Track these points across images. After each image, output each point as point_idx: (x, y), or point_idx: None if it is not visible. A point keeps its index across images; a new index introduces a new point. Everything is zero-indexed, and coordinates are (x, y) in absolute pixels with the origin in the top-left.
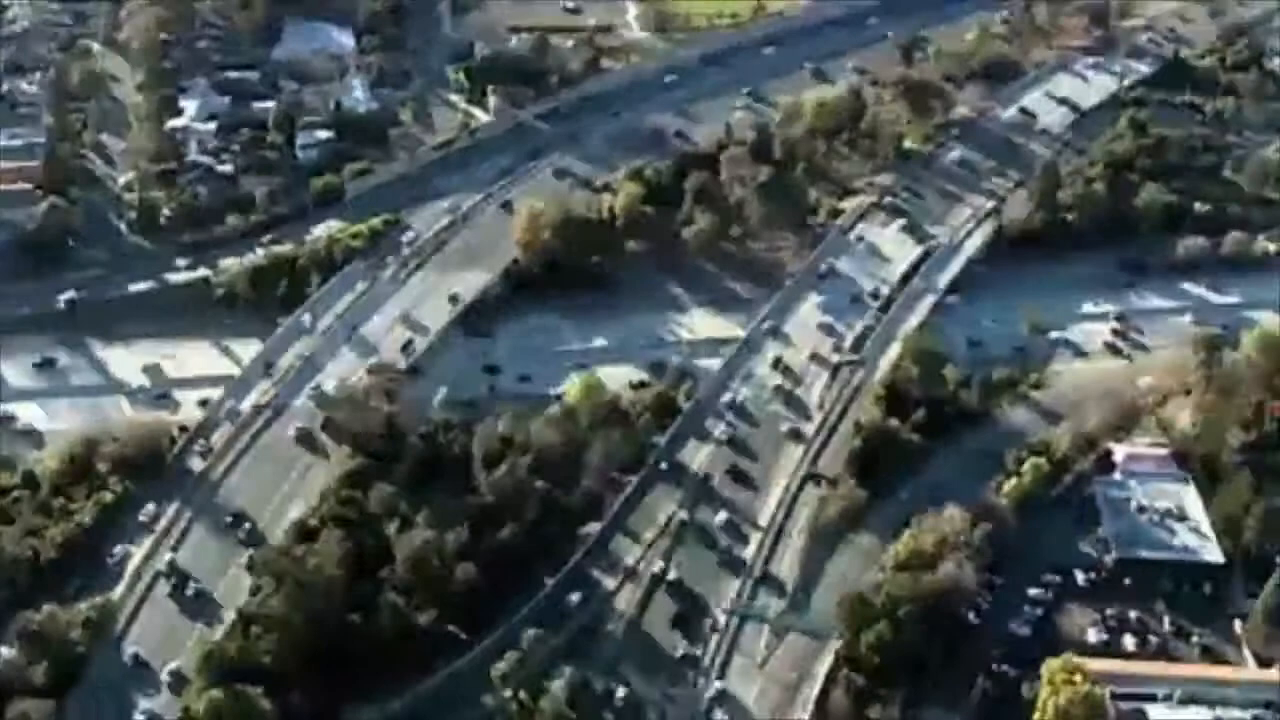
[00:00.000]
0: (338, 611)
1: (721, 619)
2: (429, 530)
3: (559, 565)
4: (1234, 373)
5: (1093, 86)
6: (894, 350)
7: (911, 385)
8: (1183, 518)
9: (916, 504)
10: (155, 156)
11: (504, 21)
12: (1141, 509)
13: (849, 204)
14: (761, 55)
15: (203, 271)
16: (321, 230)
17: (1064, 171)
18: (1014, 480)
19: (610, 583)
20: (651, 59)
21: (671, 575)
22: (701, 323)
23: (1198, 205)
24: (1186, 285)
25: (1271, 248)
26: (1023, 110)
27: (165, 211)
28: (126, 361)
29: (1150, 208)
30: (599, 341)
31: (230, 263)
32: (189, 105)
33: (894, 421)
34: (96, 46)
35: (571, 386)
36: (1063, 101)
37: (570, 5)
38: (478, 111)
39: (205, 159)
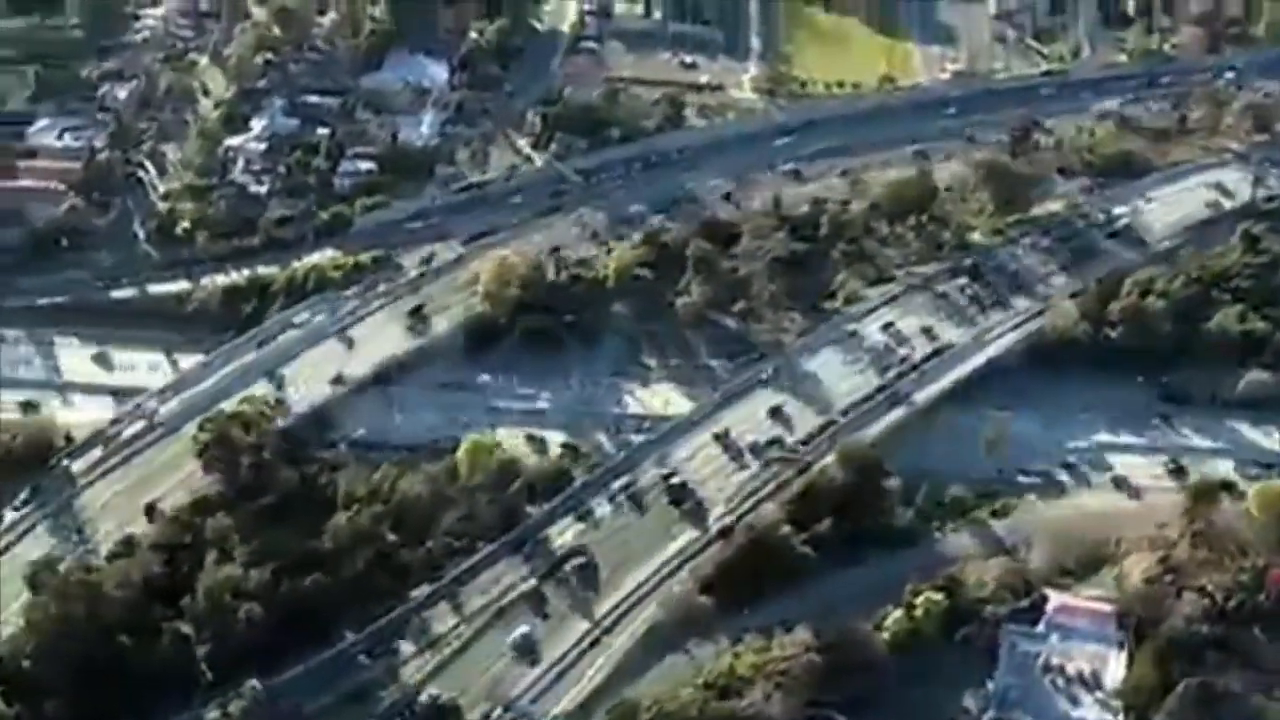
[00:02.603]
0: (110, 631)
1: (494, 711)
2: (234, 566)
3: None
4: (1227, 530)
5: (1226, 194)
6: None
7: (836, 493)
8: (1095, 686)
9: (782, 623)
10: (200, 171)
11: (612, 69)
12: (1048, 668)
13: (874, 291)
14: (864, 128)
15: (183, 286)
16: (313, 259)
17: (1134, 281)
18: (899, 614)
19: (408, 650)
20: (745, 121)
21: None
22: (658, 398)
23: None
24: (1236, 426)
25: None
26: (1127, 212)
27: (184, 224)
28: (71, 362)
29: (1221, 333)
30: (541, 403)
31: (213, 280)
32: (256, 125)
33: (787, 530)
34: (203, 60)
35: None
36: (1180, 206)
37: (688, 60)
38: (537, 157)
39: (244, 178)
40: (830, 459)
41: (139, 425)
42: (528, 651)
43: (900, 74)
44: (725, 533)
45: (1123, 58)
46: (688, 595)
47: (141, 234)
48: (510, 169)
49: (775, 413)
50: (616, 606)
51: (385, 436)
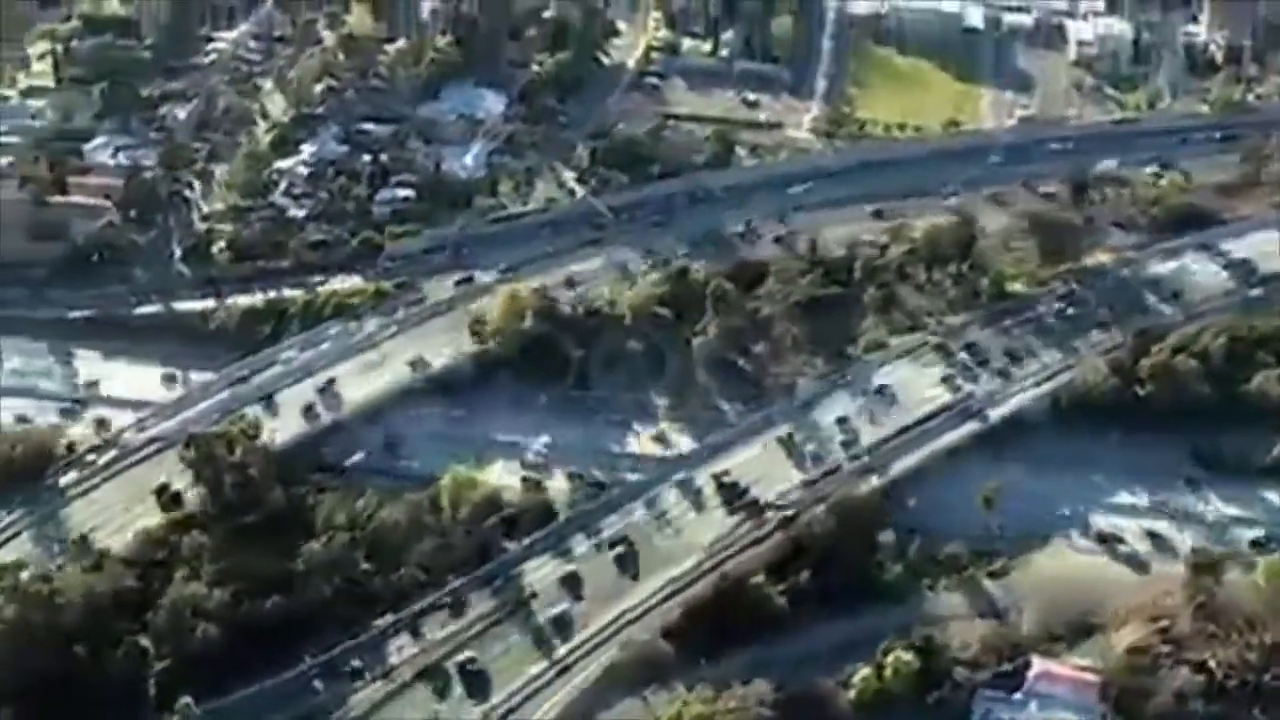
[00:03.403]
0: (69, 642)
1: None
2: (200, 584)
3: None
4: (1233, 603)
5: None
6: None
7: (820, 544)
8: None
9: (747, 677)
10: (244, 192)
11: (671, 105)
12: None
13: (900, 339)
14: (919, 171)
15: (207, 305)
16: (337, 284)
17: (1175, 338)
18: (866, 672)
19: (366, 678)
20: (797, 161)
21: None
22: (654, 438)
23: None
24: (1269, 495)
25: None
26: (1176, 267)
27: (220, 245)
28: (87, 375)
29: (1261, 396)
30: (540, 439)
31: (236, 301)
32: (306, 149)
33: (761, 580)
34: (268, 84)
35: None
36: (1240, 264)
37: (751, 98)
38: (579, 190)
39: (284, 201)
40: (819, 510)
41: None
42: (479, 688)
43: (967, 119)
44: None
45: (1204, 108)
46: (649, 641)
47: (178, 252)
48: (547, 202)
49: (775, 457)
50: (577, 647)
51: (380, 465)
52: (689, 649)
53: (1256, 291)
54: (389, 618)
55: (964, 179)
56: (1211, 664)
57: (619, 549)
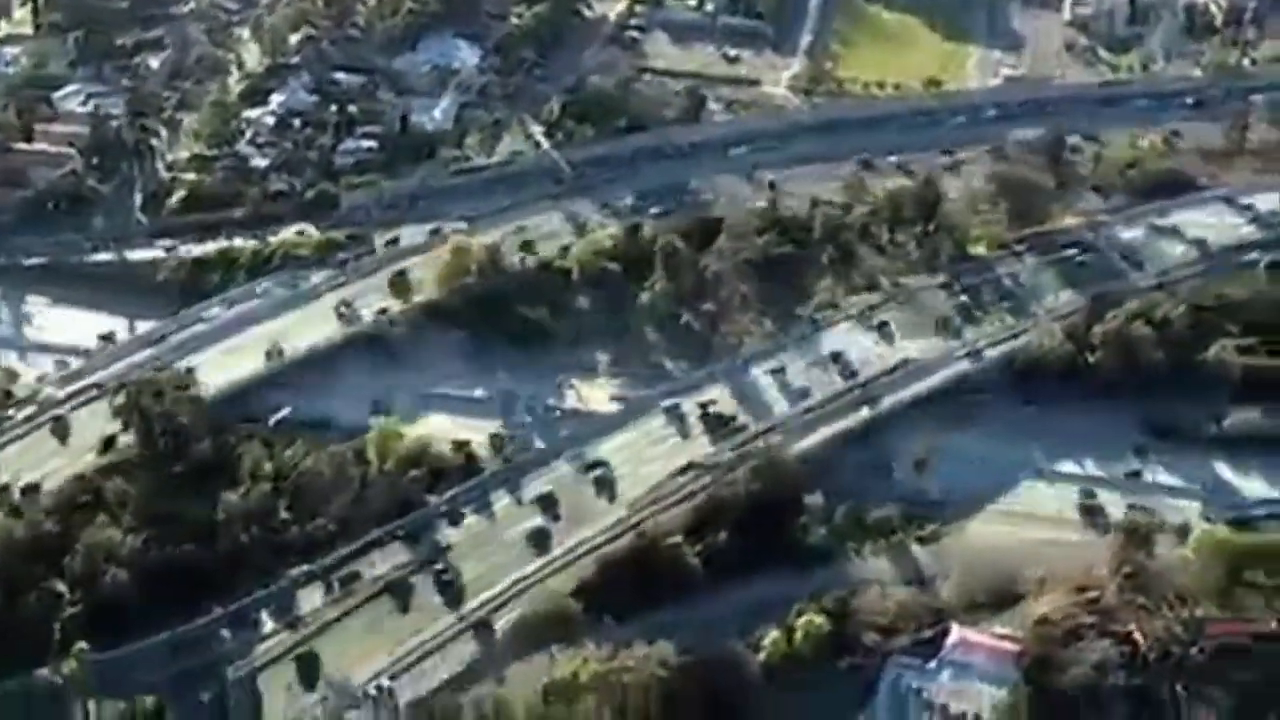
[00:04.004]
0: None
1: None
2: (117, 529)
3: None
4: (1164, 575)
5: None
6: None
7: (742, 506)
8: None
9: (655, 637)
10: (211, 141)
11: (650, 59)
12: (929, 706)
13: (853, 300)
14: (896, 131)
15: (159, 253)
16: (289, 234)
17: (1133, 304)
18: (776, 636)
19: (269, 627)
20: (769, 118)
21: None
22: (601, 394)
23: None
24: (1218, 465)
25: None
26: (1149, 232)
27: (180, 193)
28: (36, 321)
29: (1218, 366)
30: (479, 391)
31: (190, 250)
32: (275, 99)
33: (679, 540)
34: (246, 34)
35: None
36: (1212, 229)
37: (732, 54)
38: (545, 144)
39: (248, 150)
40: (742, 471)
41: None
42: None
43: (952, 78)
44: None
45: (1197, 72)
46: (558, 597)
47: (138, 200)
48: (512, 155)
49: (708, 417)
50: (485, 604)
51: (315, 417)
52: (601, 608)
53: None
54: (303, 568)
55: (932, 139)
56: (1137, 636)
57: (538, 506)
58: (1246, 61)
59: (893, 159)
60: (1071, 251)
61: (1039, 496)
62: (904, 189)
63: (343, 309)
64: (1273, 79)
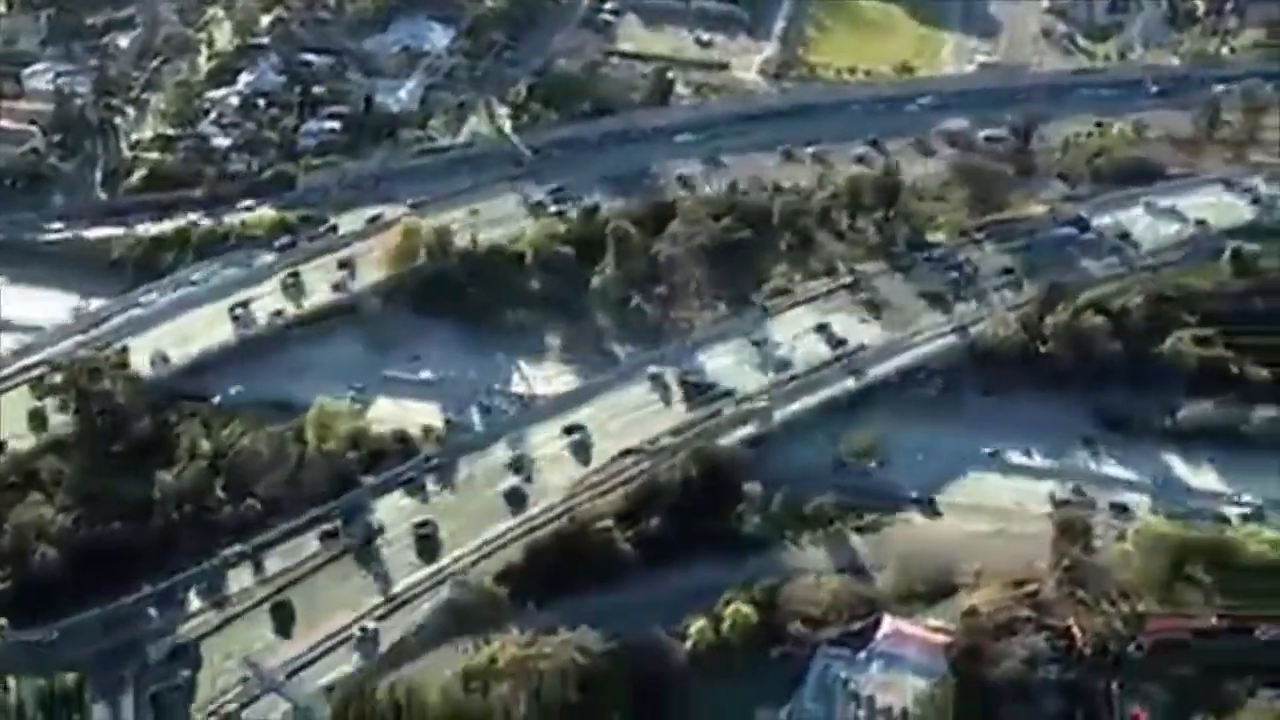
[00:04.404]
0: None
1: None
2: (47, 507)
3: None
4: (1104, 569)
5: (1233, 209)
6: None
7: (677, 492)
8: None
9: (580, 623)
10: (175, 121)
11: (621, 42)
12: (855, 697)
13: (807, 286)
14: (864, 116)
15: (115, 232)
16: (246, 215)
17: (1092, 294)
18: (703, 624)
19: (195, 606)
20: (737, 102)
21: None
22: (542, 377)
23: (1253, 370)
24: (1170, 459)
25: None
26: (1111, 222)
27: (140, 173)
28: None
29: (1175, 358)
30: (425, 374)
31: (146, 229)
32: (243, 80)
33: (609, 524)
34: (220, 13)
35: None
36: (1177, 219)
37: (705, 38)
38: (508, 127)
39: (211, 130)
40: (679, 457)
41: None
42: (285, 620)
43: (926, 65)
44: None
45: (1174, 60)
46: (482, 582)
47: (98, 179)
48: (474, 137)
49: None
50: (412, 587)
51: (260, 396)
52: (528, 593)
53: None
54: (236, 547)
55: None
56: (1074, 630)
57: (472, 489)
58: (1225, 50)
59: (812, 148)
60: (1068, 230)
61: (985, 487)
62: (864, 175)
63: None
64: (1247, 68)
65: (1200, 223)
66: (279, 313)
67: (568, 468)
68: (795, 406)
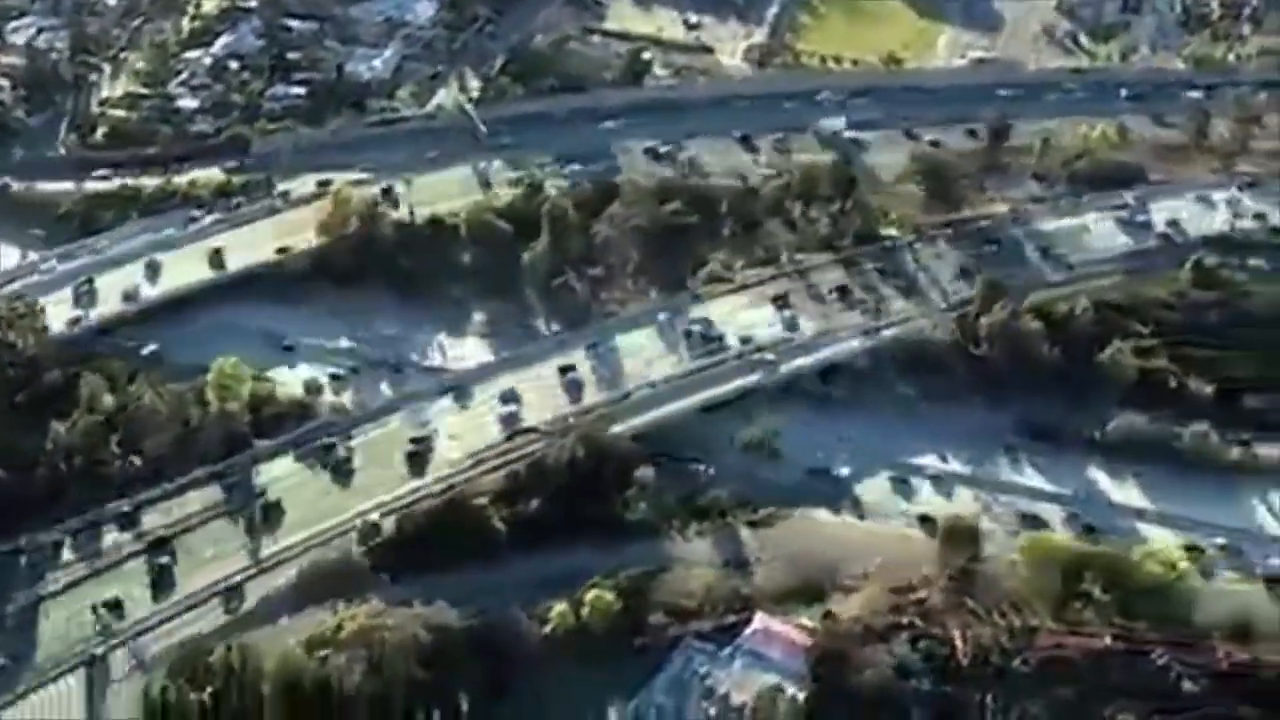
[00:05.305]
0: None
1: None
2: None
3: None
4: (994, 581)
5: (1206, 217)
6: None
7: (562, 475)
8: None
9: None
10: (148, 81)
11: (607, 20)
12: (710, 693)
13: (744, 274)
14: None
15: (67, 187)
16: (195, 175)
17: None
18: (563, 609)
19: (69, 559)
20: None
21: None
22: (462, 352)
23: (1196, 385)
24: (1093, 474)
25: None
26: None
27: (104, 130)
28: None
29: (1112, 368)
30: (343, 342)
31: (97, 186)
32: (221, 42)
33: (484, 504)
34: None
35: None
36: (1141, 226)
37: (693, 20)
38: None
39: (179, 91)
40: (572, 439)
41: None
42: (167, 582)
43: (916, 57)
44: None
45: (1179, 64)
46: (347, 552)
47: (62, 134)
48: (436, 109)
49: (564, 383)
50: (282, 552)
51: (175, 357)
52: (397, 566)
53: None
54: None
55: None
56: (957, 641)
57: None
58: (1232, 56)
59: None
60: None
61: (893, 490)
62: (819, 165)
63: (228, 254)
64: (1235, 76)
65: (1165, 234)
66: (201, 275)
67: (465, 442)
68: (705, 395)
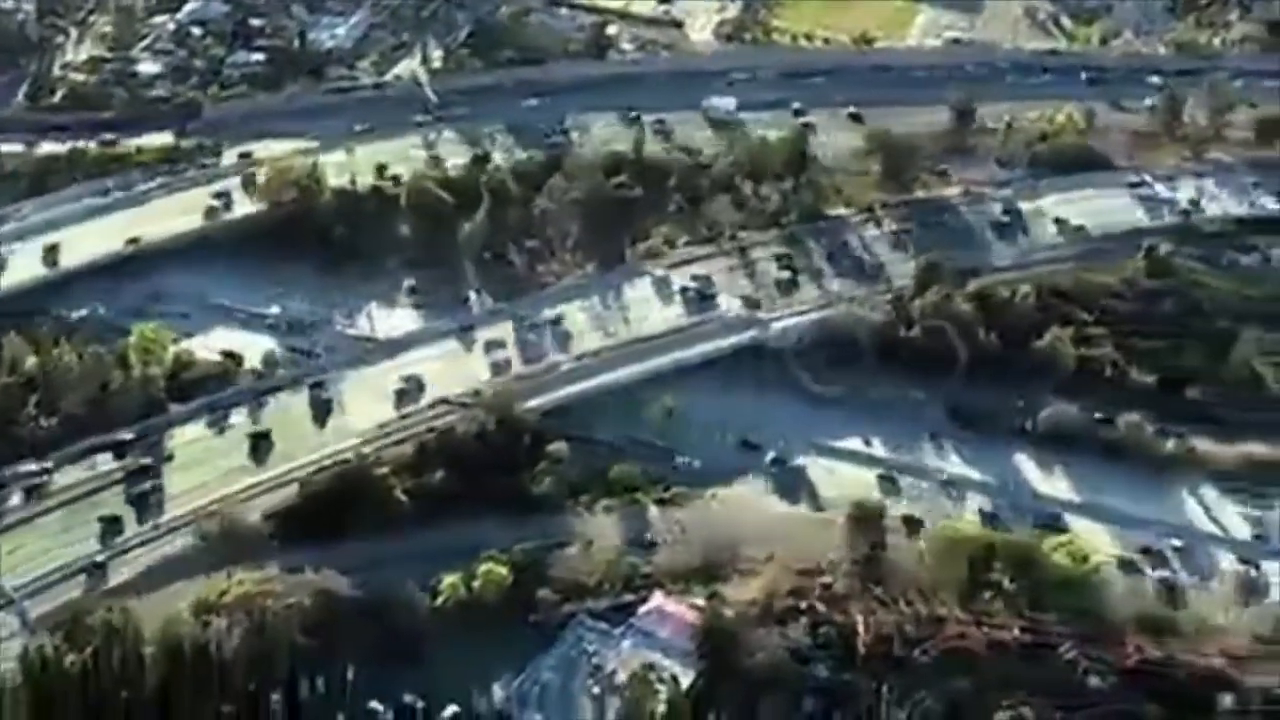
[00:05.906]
0: None
1: None
2: None
3: None
4: (901, 568)
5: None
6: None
7: (467, 447)
8: None
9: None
10: (113, 45)
11: None
12: (597, 670)
13: (683, 250)
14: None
15: (17, 149)
16: (144, 140)
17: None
18: (454, 581)
19: None
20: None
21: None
22: (392, 322)
23: (1136, 375)
24: (1019, 460)
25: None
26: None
27: (60, 92)
28: None
29: (1050, 355)
30: (273, 309)
31: (46, 149)
32: (186, 8)
33: (385, 474)
34: None
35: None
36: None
37: None
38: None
39: (140, 55)
40: (480, 412)
41: None
42: None
43: (891, 35)
44: None
45: (1161, 50)
46: (240, 519)
47: (20, 96)
48: (390, 79)
49: (486, 355)
50: (182, 516)
51: (106, 322)
52: (294, 533)
53: None
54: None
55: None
56: (859, 628)
57: (258, 430)
58: (1216, 42)
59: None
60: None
61: (811, 473)
62: (770, 142)
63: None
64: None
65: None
66: (136, 239)
67: (374, 411)
68: (628, 370)
